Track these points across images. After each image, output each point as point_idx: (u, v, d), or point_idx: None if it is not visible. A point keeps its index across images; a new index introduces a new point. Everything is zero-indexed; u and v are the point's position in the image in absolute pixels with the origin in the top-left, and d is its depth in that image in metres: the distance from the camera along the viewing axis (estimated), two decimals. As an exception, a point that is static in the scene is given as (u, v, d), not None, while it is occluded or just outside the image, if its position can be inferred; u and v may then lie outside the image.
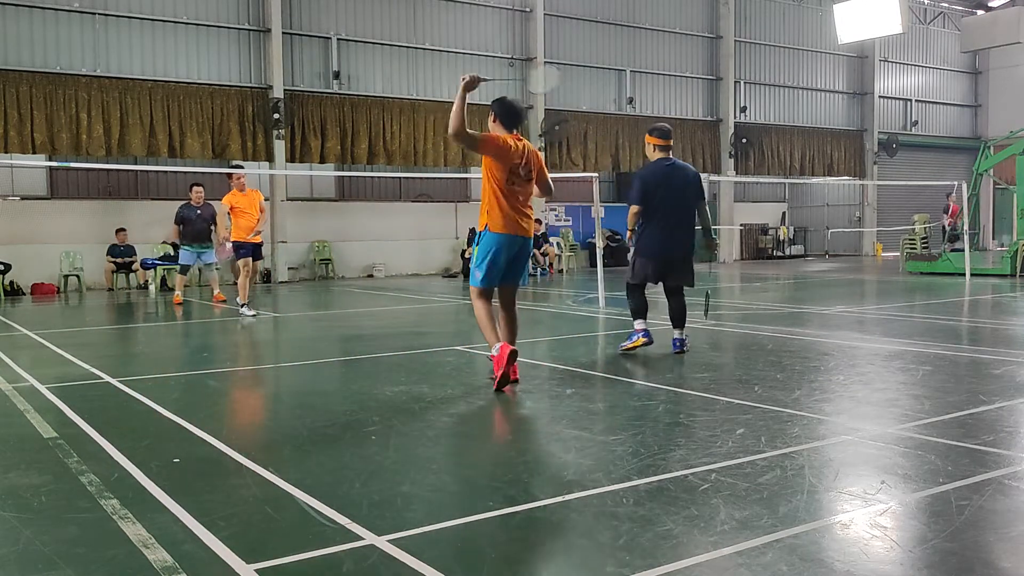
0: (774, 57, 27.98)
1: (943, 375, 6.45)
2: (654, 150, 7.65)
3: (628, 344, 7.75)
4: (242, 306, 11.59)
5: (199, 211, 13.53)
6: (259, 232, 11.95)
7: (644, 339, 7.72)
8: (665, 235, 7.56)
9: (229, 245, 11.85)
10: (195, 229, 13.46)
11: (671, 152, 7.69)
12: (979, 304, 12.62)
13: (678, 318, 7.74)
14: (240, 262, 11.73)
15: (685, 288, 7.86)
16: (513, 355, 5.90)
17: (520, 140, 6.12)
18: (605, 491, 3.73)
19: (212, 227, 13.57)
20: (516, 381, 6.07)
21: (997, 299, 13.15)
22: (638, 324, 7.79)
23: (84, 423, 5.23)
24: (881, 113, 30.36)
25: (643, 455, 4.28)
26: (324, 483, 3.93)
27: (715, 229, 7.95)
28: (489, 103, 6.41)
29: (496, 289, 6.24)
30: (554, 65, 6.33)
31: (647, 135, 7.78)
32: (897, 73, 31.05)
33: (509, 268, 6.16)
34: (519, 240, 6.12)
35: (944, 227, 21.09)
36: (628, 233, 7.80)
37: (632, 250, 7.76)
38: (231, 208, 11.74)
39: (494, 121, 6.19)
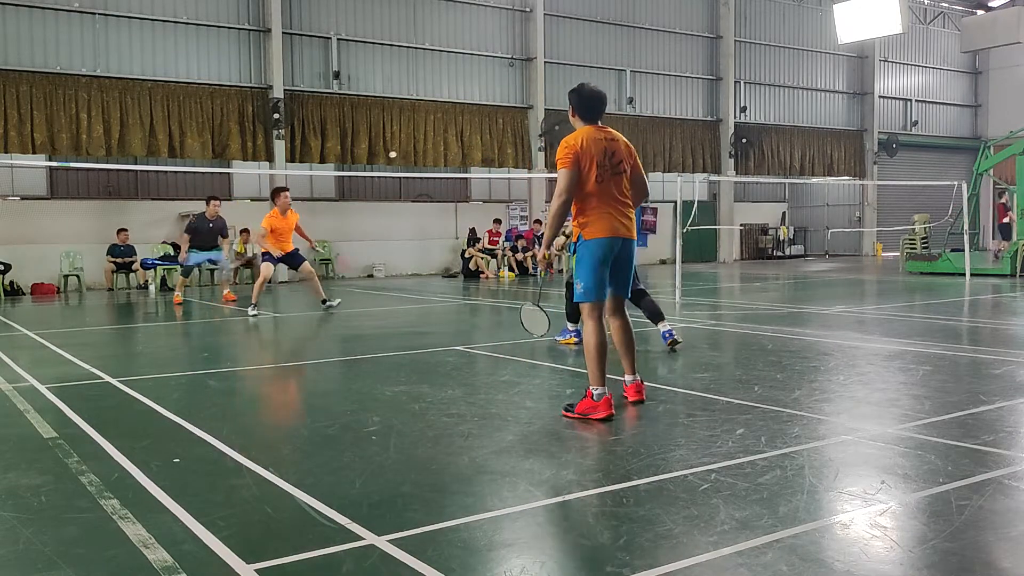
0: (774, 57, 27.99)
1: (943, 375, 6.45)
2: None
3: (562, 339, 8.33)
4: (252, 305, 11.86)
5: (211, 224, 13.82)
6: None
7: (575, 339, 8.15)
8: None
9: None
10: (203, 239, 13.77)
11: None
12: (979, 304, 12.61)
13: (654, 313, 8.07)
14: (264, 265, 11.98)
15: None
16: (639, 390, 5.49)
17: (602, 130, 5.42)
18: (605, 491, 3.73)
19: (220, 237, 13.90)
20: (642, 401, 5.54)
21: (997, 299, 13.14)
22: (571, 326, 8.35)
23: (84, 423, 5.23)
24: (881, 113, 30.36)
25: (643, 455, 4.28)
26: (324, 483, 3.93)
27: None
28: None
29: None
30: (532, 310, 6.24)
31: None
32: (897, 73, 31.04)
33: (612, 276, 5.41)
34: (625, 243, 5.37)
35: (1002, 225, 21.25)
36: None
37: None
38: (272, 230, 11.87)
39: (573, 115, 5.50)
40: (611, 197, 5.29)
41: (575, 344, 7.97)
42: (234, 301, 13.69)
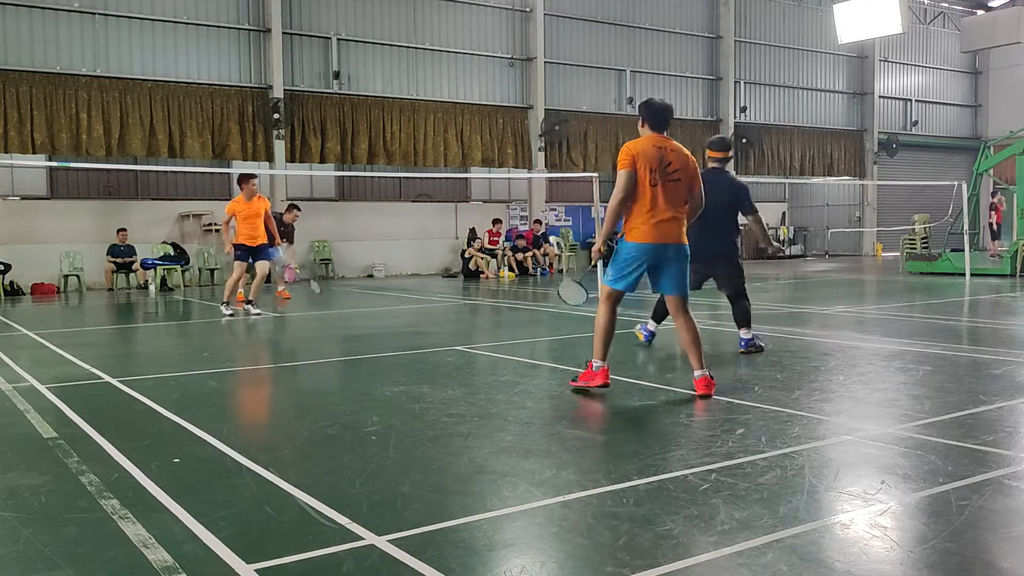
0: (774, 57, 27.99)
1: (943, 375, 6.45)
2: (709, 160, 7.94)
3: (639, 333, 8.34)
4: (224, 304, 11.74)
5: (283, 228, 14.03)
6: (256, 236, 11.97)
7: (645, 337, 8.18)
8: (701, 238, 7.58)
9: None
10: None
11: (727, 164, 7.95)
12: (979, 304, 12.61)
13: (742, 320, 7.76)
14: (238, 264, 11.79)
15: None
16: (708, 385, 5.71)
17: (666, 140, 5.80)
18: (605, 491, 3.73)
19: (285, 240, 14.06)
20: (709, 396, 5.67)
21: (997, 299, 13.14)
22: (651, 324, 8.25)
23: (84, 423, 5.23)
24: (881, 113, 30.36)
25: (643, 455, 4.28)
26: (324, 483, 3.93)
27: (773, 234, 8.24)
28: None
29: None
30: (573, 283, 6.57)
31: (707, 148, 8.08)
32: (897, 73, 31.04)
33: (664, 279, 5.86)
34: (670, 248, 5.76)
35: (991, 225, 21.22)
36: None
37: None
38: (235, 214, 11.69)
39: (642, 125, 5.90)
40: (662, 203, 5.67)
41: (643, 339, 8.13)
42: (288, 299, 13.80)
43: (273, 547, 3.16)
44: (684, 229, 5.82)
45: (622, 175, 5.64)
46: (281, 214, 14.91)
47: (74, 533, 3.36)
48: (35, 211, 18.06)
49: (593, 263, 6.19)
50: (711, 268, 7.81)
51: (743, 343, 7.67)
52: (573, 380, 6.03)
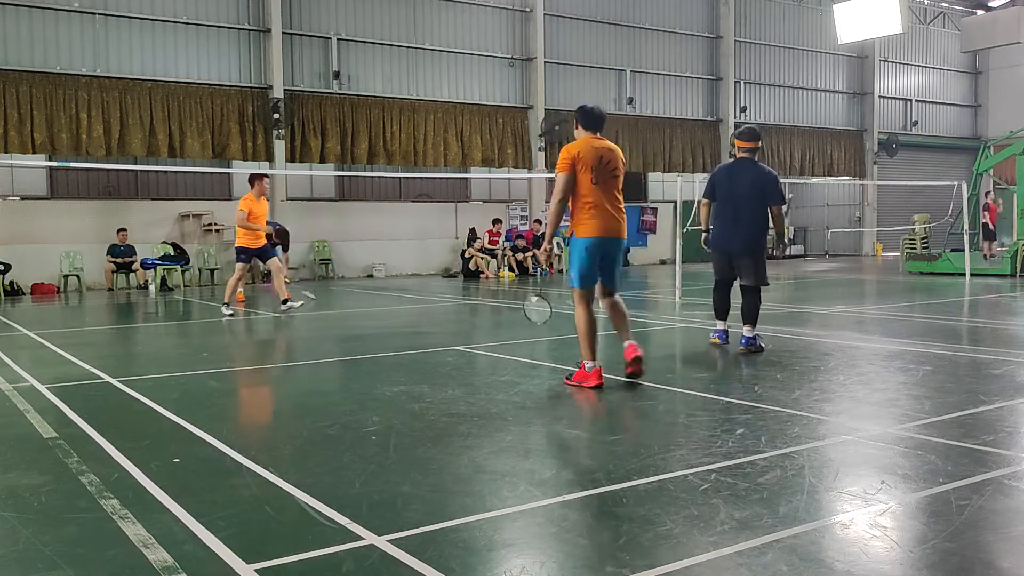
0: (774, 57, 27.99)
1: (943, 375, 6.45)
2: (738, 151, 7.95)
3: (712, 337, 8.17)
4: (224, 304, 11.74)
5: (276, 226, 13.89)
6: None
7: (718, 339, 8.04)
8: (727, 229, 7.78)
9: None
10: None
11: (756, 154, 7.90)
12: (979, 304, 12.61)
13: (749, 315, 7.72)
14: (240, 266, 11.80)
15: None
16: (637, 360, 6.00)
17: (600, 140, 6.20)
18: (605, 491, 3.73)
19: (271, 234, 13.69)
20: (640, 359, 6.13)
21: (997, 299, 13.14)
22: (718, 324, 8.14)
23: (84, 423, 5.23)
24: (881, 113, 30.36)
25: (643, 455, 4.28)
26: (324, 483, 3.93)
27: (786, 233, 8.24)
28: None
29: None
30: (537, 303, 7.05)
31: (735, 138, 8.14)
32: (897, 73, 31.05)
33: (602, 270, 6.21)
34: (613, 242, 6.17)
35: (985, 226, 21.17)
36: (702, 227, 8.18)
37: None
38: (249, 213, 11.66)
39: (577, 127, 6.31)
40: (605, 198, 6.07)
41: (718, 343, 7.97)
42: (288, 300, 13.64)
43: (273, 547, 3.16)
44: (624, 223, 6.24)
45: (560, 178, 6.03)
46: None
47: (74, 533, 3.36)
48: (35, 211, 18.06)
49: (545, 264, 6.66)
50: (734, 259, 7.85)
51: (744, 341, 7.64)
52: (567, 378, 6.23)
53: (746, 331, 7.65)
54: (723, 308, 8.08)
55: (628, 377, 6.18)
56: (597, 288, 6.26)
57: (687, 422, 5.08)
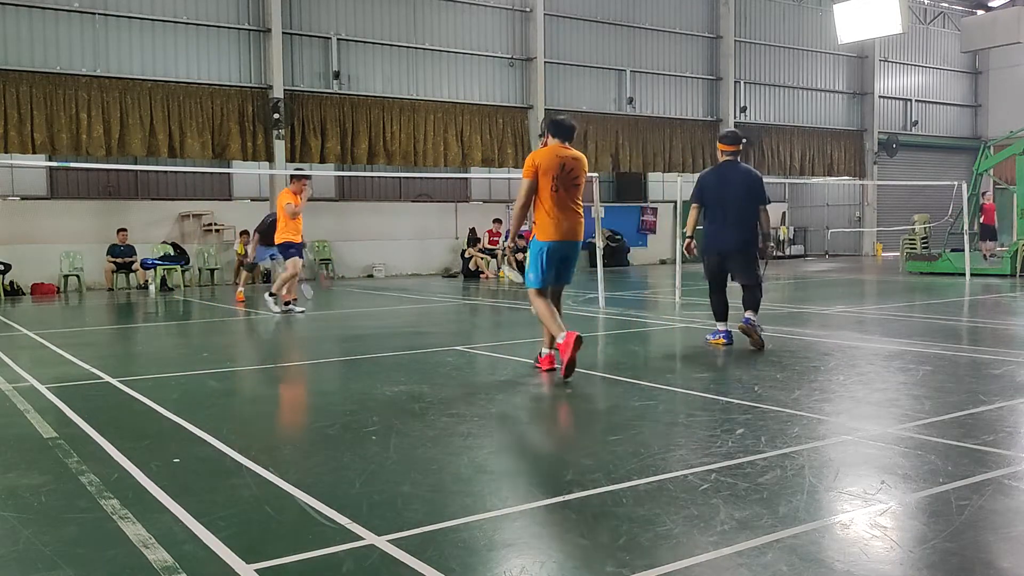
0: (774, 57, 27.98)
1: (943, 375, 6.45)
2: (721, 154, 8.08)
3: (711, 339, 8.17)
4: (270, 294, 11.88)
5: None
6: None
7: (724, 340, 8.04)
8: (719, 230, 7.92)
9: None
10: (269, 237, 13.37)
11: (738, 157, 8.08)
12: (979, 304, 12.61)
13: (750, 303, 7.93)
14: (290, 261, 11.85)
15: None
16: (579, 341, 6.32)
17: (566, 148, 6.60)
18: (605, 491, 3.73)
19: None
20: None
21: (997, 299, 13.14)
22: (719, 325, 8.16)
23: (84, 423, 5.23)
24: (881, 113, 30.35)
25: (643, 455, 4.28)
26: (324, 483, 3.93)
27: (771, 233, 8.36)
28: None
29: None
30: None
31: (717, 141, 8.27)
32: (897, 73, 31.04)
33: (560, 270, 6.69)
34: (569, 246, 6.65)
35: (983, 226, 21.12)
36: (687, 231, 8.28)
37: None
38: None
39: (544, 136, 6.72)
40: (564, 205, 6.51)
41: (723, 344, 7.98)
42: (295, 301, 13.57)
43: (273, 547, 3.16)
44: (582, 227, 6.68)
45: (523, 184, 6.50)
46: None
47: (74, 533, 3.36)
48: (35, 211, 18.06)
49: (507, 260, 7.08)
50: (725, 260, 7.95)
51: (744, 319, 7.80)
52: (536, 362, 6.87)
53: (748, 315, 7.83)
54: (722, 310, 8.16)
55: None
56: (552, 292, 6.72)
57: (687, 422, 5.08)
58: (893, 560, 2.97)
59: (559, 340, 6.35)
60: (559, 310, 6.79)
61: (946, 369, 6.73)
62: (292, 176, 12.15)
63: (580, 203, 6.66)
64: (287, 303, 11.98)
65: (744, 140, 8.17)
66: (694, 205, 8.12)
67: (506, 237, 21.93)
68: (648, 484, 3.80)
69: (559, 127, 6.63)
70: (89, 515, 3.55)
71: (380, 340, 9.47)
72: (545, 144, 6.64)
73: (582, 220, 6.68)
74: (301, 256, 12.05)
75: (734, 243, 7.86)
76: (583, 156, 6.73)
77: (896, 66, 30.91)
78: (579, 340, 6.20)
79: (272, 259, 13.55)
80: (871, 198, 29.81)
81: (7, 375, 7.05)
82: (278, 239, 11.91)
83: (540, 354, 6.84)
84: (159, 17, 18.31)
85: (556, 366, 6.49)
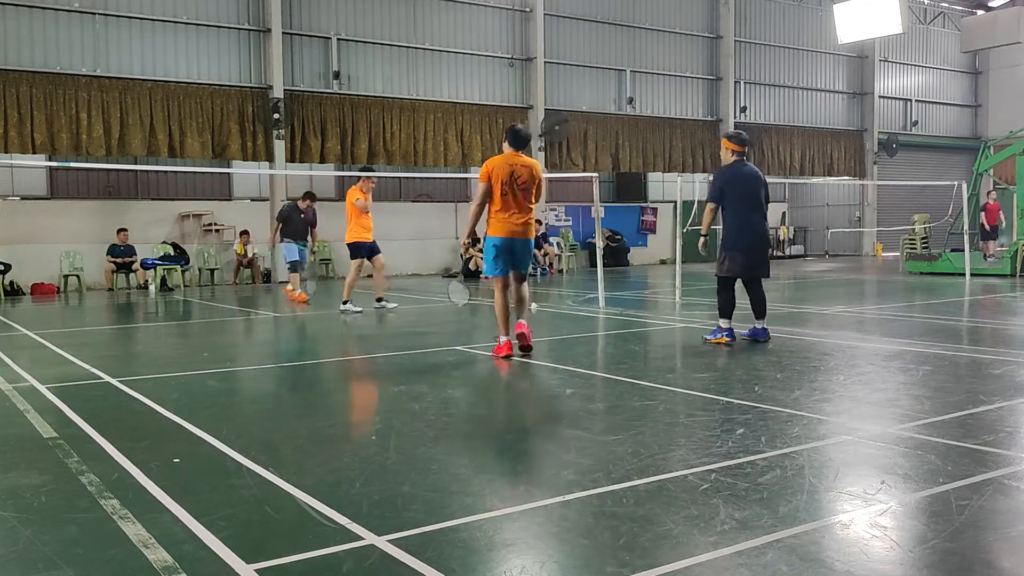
0: (774, 57, 27.99)
1: (943, 375, 6.45)
2: (730, 154, 8.20)
3: (712, 338, 8.16)
4: (345, 303, 11.95)
5: (303, 214, 13.70)
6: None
7: (727, 338, 8.08)
8: (743, 226, 8.10)
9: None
10: (295, 228, 13.59)
11: (745, 156, 8.29)
12: (979, 304, 12.61)
13: (760, 310, 8.21)
14: (354, 263, 11.99)
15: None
16: (521, 336, 7.38)
17: (518, 156, 7.44)
18: (605, 491, 3.73)
19: (310, 228, 13.78)
20: (523, 335, 7.49)
21: (997, 299, 13.14)
22: (723, 323, 8.18)
23: (84, 423, 5.23)
24: (881, 113, 30.35)
25: (643, 455, 4.28)
26: (324, 483, 3.93)
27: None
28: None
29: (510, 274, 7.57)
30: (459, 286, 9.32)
31: (724, 140, 8.38)
32: (897, 73, 31.04)
33: (514, 262, 7.49)
34: (518, 242, 7.46)
35: (983, 226, 21.09)
36: (703, 230, 8.39)
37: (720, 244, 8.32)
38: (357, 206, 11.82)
39: (504, 142, 7.53)
40: (513, 207, 7.35)
41: (726, 343, 8.00)
42: (306, 303, 13.36)
43: (273, 547, 3.16)
44: (532, 227, 7.52)
45: (479, 187, 7.40)
46: (295, 202, 14.42)
47: (74, 533, 3.36)
48: (35, 211, 18.06)
49: (463, 254, 7.78)
50: (749, 255, 8.07)
51: (762, 334, 8.05)
52: (494, 352, 7.50)
53: (758, 324, 8.13)
54: (730, 307, 8.22)
55: (522, 351, 7.46)
56: (512, 275, 7.50)
57: (687, 422, 5.08)
58: (893, 560, 2.97)
59: (500, 341, 7.35)
60: (523, 298, 7.56)
61: (946, 369, 6.73)
62: (361, 173, 12.29)
63: (531, 205, 7.48)
64: (344, 302, 11.96)
65: (747, 144, 8.42)
66: (711, 205, 8.23)
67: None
68: (648, 484, 3.80)
69: (515, 136, 7.45)
70: (89, 515, 3.55)
71: (380, 340, 9.47)
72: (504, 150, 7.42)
73: (532, 220, 7.52)
74: (377, 252, 12.22)
75: (760, 237, 8.18)
76: (535, 163, 7.52)
77: (896, 66, 30.92)
78: (511, 355, 7.20)
79: (300, 263, 13.56)
80: (871, 198, 29.81)
81: (7, 375, 7.05)
82: (349, 239, 11.96)
83: (499, 341, 7.45)
84: (159, 17, 18.31)
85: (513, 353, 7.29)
